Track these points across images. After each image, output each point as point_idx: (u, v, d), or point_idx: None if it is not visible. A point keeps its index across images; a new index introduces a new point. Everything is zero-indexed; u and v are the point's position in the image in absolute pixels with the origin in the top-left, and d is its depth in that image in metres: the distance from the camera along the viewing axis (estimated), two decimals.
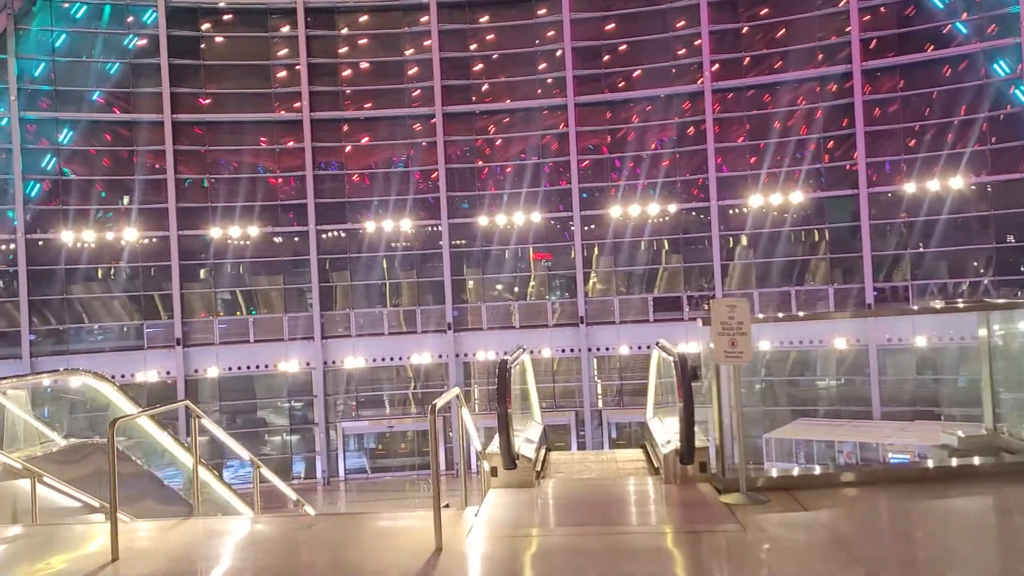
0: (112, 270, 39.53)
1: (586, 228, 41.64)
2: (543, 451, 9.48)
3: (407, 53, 42.05)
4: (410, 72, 42.12)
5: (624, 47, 41.66)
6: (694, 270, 41.34)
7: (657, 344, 10.12)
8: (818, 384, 41.16)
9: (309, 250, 40.54)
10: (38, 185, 39.04)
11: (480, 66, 42.29)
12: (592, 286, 42.23)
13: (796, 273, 40.66)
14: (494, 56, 42.28)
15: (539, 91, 41.70)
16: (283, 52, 41.42)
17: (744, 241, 40.97)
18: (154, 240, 39.58)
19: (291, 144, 41.18)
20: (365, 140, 42.44)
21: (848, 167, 39.14)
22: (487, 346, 41.07)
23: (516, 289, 42.85)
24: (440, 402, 6.38)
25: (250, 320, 40.72)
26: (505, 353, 9.03)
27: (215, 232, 39.82)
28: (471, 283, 42.32)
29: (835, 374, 40.06)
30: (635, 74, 41.46)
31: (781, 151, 39.68)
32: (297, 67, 40.74)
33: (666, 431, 8.84)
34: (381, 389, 42.72)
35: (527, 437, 9.02)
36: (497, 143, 42.68)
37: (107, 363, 38.38)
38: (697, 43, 40.16)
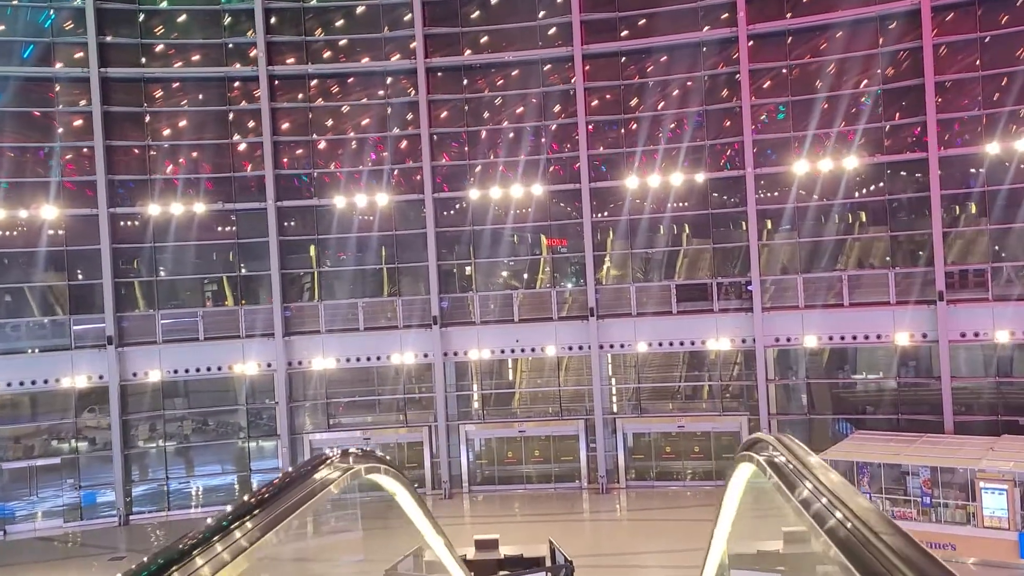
0: (32, 255, 33.17)
1: (600, 214, 35.23)
2: None
3: None
4: (389, 19, 35.50)
5: None
6: (722, 252, 34.85)
7: (752, 453, 3.93)
8: (869, 386, 34.72)
9: (268, 231, 34.21)
10: None
11: (472, 10, 35.69)
12: (606, 272, 35.80)
13: (841, 256, 34.06)
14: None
15: (540, 41, 35.12)
16: None
17: (769, 225, 34.40)
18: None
19: (245, 104, 34.86)
20: (335, 99, 36.00)
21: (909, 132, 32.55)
22: (481, 343, 35.19)
23: (526, 276, 36.62)
24: None
25: (200, 314, 34.44)
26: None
27: (154, 209, 33.51)
28: (468, 269, 35.94)
29: (891, 372, 33.51)
30: (654, 19, 34.69)
31: (831, 110, 33.00)
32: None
33: None
34: (361, 393, 36.52)
35: None
36: (491, 102, 36.13)
37: (28, 366, 32.51)
38: None
